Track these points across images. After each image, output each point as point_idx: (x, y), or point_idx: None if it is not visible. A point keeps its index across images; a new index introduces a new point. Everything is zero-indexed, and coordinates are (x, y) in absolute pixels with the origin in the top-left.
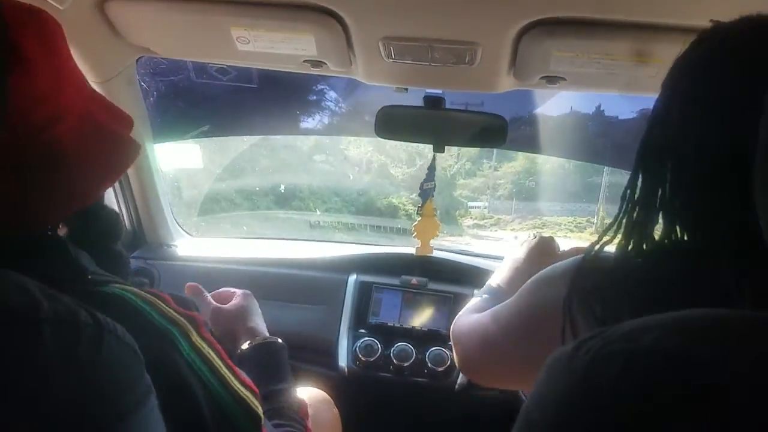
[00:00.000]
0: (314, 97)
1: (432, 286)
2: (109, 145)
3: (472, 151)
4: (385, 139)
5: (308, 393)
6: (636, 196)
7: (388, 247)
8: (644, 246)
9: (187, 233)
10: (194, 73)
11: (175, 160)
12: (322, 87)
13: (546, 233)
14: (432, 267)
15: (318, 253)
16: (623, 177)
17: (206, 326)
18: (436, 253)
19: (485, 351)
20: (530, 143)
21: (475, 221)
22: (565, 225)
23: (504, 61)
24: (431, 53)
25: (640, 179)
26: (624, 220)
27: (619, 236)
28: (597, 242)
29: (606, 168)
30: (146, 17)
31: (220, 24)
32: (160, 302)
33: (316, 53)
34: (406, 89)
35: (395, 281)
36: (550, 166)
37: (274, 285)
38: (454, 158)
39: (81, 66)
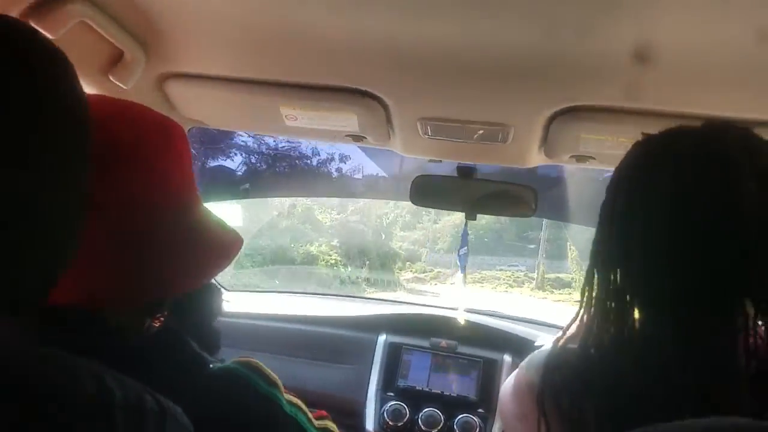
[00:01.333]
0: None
1: (461, 349)
2: (218, 233)
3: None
4: (419, 206)
5: None
6: (594, 289)
7: (419, 308)
8: (605, 338)
9: (221, 287)
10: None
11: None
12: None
13: (485, 287)
14: (462, 330)
15: (348, 310)
16: (561, 231)
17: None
18: (467, 316)
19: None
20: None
21: (415, 274)
22: (504, 279)
23: (535, 141)
24: (465, 132)
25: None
26: (584, 313)
27: (582, 328)
28: (560, 338)
29: (544, 222)
30: (201, 95)
31: (271, 103)
32: (263, 367)
33: (358, 129)
34: (440, 160)
35: (425, 343)
36: (487, 220)
37: (304, 342)
38: (390, 206)
39: None
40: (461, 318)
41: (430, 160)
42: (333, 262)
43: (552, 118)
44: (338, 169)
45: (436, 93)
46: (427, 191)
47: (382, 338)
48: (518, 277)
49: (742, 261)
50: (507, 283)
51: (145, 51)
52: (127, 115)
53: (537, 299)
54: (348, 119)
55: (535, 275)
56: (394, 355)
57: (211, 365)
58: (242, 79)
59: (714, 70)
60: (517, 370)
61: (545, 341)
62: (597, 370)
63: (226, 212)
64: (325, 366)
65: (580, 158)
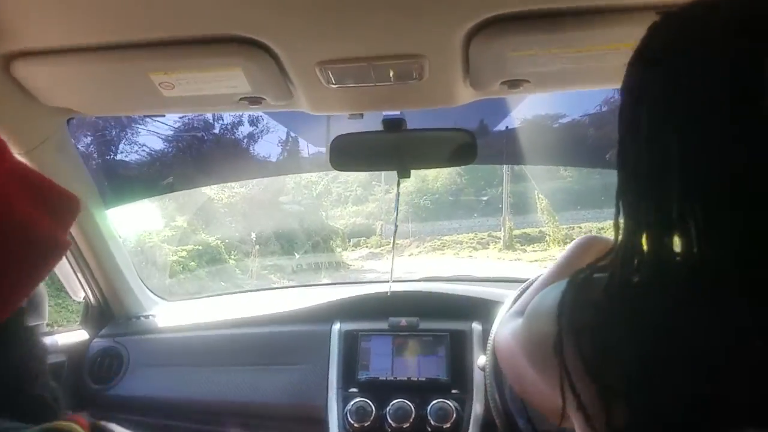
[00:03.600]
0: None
1: (424, 325)
2: (27, 244)
3: (361, 176)
4: (342, 171)
5: None
6: (625, 212)
7: (372, 285)
8: (637, 270)
9: (161, 298)
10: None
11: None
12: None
13: (447, 254)
14: (422, 303)
15: (298, 302)
16: (524, 186)
17: None
18: (426, 286)
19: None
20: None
21: (371, 249)
22: (467, 243)
23: (456, 70)
24: (375, 72)
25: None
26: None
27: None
28: (583, 271)
29: (505, 176)
30: (57, 74)
31: (137, 71)
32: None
33: (251, 89)
34: (362, 115)
35: (383, 325)
36: (442, 182)
37: (253, 347)
38: (318, 175)
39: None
40: (389, 289)
41: (350, 116)
42: (276, 251)
43: (469, 38)
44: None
45: (328, 29)
46: (350, 153)
47: (336, 327)
48: (482, 238)
49: None
50: (471, 246)
51: None
52: None
53: (507, 261)
54: (235, 78)
55: (501, 234)
56: (351, 344)
57: None
58: (97, 47)
59: None
60: (522, 319)
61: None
62: (632, 310)
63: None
64: (278, 370)
65: (513, 83)
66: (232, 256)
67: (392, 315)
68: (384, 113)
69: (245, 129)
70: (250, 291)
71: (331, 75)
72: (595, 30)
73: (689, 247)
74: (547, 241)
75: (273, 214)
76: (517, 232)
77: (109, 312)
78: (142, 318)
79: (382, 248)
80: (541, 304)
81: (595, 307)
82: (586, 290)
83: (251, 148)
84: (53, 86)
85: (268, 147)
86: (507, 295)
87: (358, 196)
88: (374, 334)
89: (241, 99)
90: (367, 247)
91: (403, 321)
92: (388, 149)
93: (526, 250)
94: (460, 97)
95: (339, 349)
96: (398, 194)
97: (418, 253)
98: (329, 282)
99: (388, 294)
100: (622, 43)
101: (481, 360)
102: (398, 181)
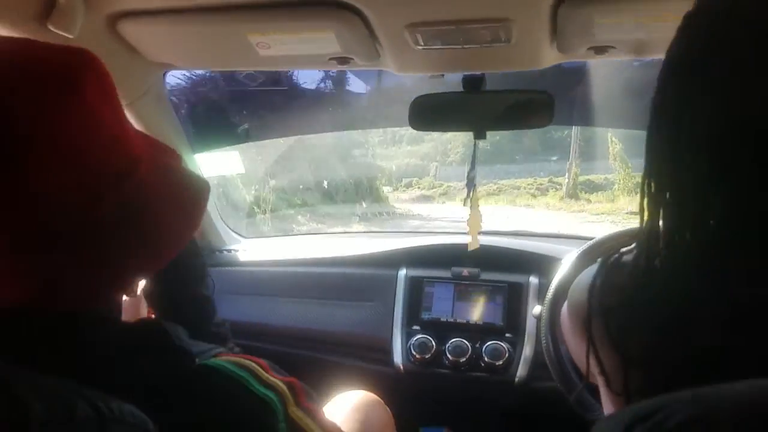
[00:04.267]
0: (346, 92)
1: (484, 276)
2: (184, 183)
3: None
4: (420, 130)
5: (359, 396)
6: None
7: (438, 237)
8: (663, 246)
9: (239, 235)
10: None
11: (218, 167)
12: (352, 79)
13: (502, 200)
14: (483, 256)
15: (367, 247)
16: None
17: (306, 393)
18: (488, 239)
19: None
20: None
21: (422, 191)
22: (525, 188)
23: (543, 35)
24: (463, 35)
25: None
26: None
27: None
28: (613, 254)
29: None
30: (160, 32)
31: (236, 32)
32: (258, 368)
33: (341, 50)
34: (443, 75)
35: (446, 273)
36: None
37: (326, 285)
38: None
39: None
40: (472, 245)
41: (431, 76)
42: (345, 197)
43: (558, 3)
44: (343, 98)
45: None
46: (428, 113)
47: (402, 273)
48: (541, 184)
49: None
50: (529, 193)
51: None
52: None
53: (568, 213)
54: (326, 40)
55: (565, 179)
56: (416, 288)
57: (197, 360)
58: (199, 7)
59: None
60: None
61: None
62: (655, 291)
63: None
64: (349, 306)
65: (599, 49)
66: (300, 201)
67: (455, 265)
68: (463, 72)
69: (320, 84)
70: (322, 233)
71: (419, 37)
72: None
73: (712, 228)
74: (614, 190)
75: (340, 163)
76: (582, 178)
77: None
78: (225, 252)
79: (434, 190)
80: (578, 284)
81: (620, 290)
82: (613, 273)
83: (325, 103)
84: (156, 43)
85: (342, 101)
86: (564, 251)
87: (413, 136)
88: (437, 280)
89: (330, 59)
90: (419, 188)
91: (466, 271)
92: (466, 110)
93: (590, 200)
94: (546, 60)
95: (405, 292)
96: (475, 155)
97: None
98: (399, 230)
99: (468, 249)
100: None
101: (536, 309)
102: (475, 142)
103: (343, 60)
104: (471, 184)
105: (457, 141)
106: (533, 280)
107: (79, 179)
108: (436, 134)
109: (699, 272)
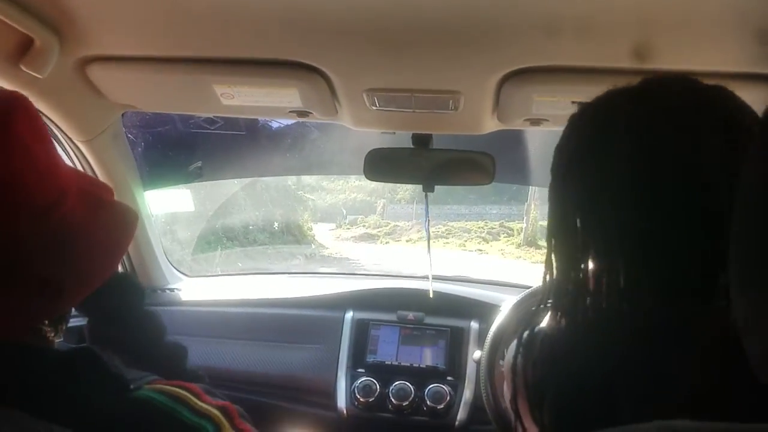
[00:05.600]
0: (301, 140)
1: (428, 320)
2: (111, 215)
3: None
4: (374, 180)
5: None
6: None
7: (385, 280)
8: (581, 313)
9: (183, 274)
10: (181, 122)
11: (168, 204)
12: (308, 129)
13: (452, 243)
14: (428, 301)
15: (313, 288)
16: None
17: (240, 415)
18: (433, 285)
19: None
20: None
21: (368, 230)
22: (475, 231)
23: (487, 106)
24: (415, 102)
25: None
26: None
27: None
28: (528, 327)
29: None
30: (128, 77)
31: (203, 82)
32: (190, 397)
33: (302, 105)
34: (394, 132)
35: (392, 317)
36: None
37: (271, 326)
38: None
39: (65, 127)
40: (431, 290)
41: (384, 132)
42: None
43: (502, 82)
44: (298, 143)
45: (380, 62)
46: (382, 165)
47: (349, 315)
48: (492, 228)
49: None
50: (480, 236)
51: (58, 35)
52: None
53: (529, 263)
54: (289, 95)
55: (523, 224)
56: (362, 331)
57: (132, 387)
58: (169, 58)
59: (664, 22)
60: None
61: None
62: (560, 351)
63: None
64: (294, 348)
65: (534, 121)
66: (250, 239)
67: (401, 309)
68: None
69: (276, 130)
70: (267, 273)
71: (376, 100)
72: (605, 86)
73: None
74: None
75: (287, 202)
76: (543, 222)
77: None
78: (167, 290)
79: (379, 229)
80: (506, 361)
81: (535, 366)
82: (530, 349)
83: (281, 147)
84: (122, 87)
85: (296, 146)
86: (504, 299)
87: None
88: (384, 323)
89: (290, 111)
90: (364, 226)
91: (411, 315)
92: (415, 165)
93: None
94: (486, 127)
95: (351, 334)
96: (427, 206)
97: (417, 239)
98: (347, 272)
99: (431, 296)
100: None
101: (476, 354)
102: (426, 194)
103: (302, 113)
104: (428, 234)
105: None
106: (474, 325)
107: (7, 209)
108: None
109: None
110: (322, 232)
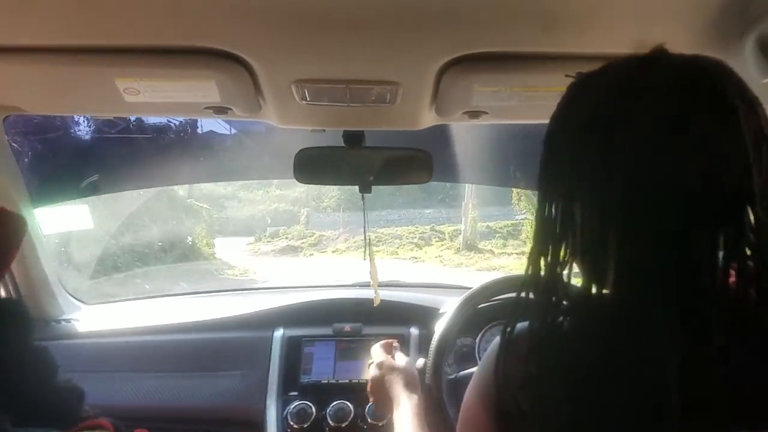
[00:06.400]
0: (219, 142)
1: (366, 330)
2: None
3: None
4: (305, 183)
5: None
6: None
7: (317, 292)
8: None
9: (81, 301)
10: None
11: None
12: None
13: (383, 251)
14: (365, 310)
15: (236, 307)
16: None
17: None
18: (367, 293)
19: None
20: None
21: (290, 242)
22: (407, 237)
23: (425, 98)
24: (350, 94)
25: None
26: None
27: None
28: (509, 324)
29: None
30: (11, 73)
31: (102, 75)
32: None
33: (220, 100)
34: (324, 129)
35: (327, 331)
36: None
37: (186, 354)
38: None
39: None
40: (376, 300)
41: (313, 130)
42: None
43: (443, 71)
44: (208, 147)
45: (310, 50)
46: (314, 165)
47: (278, 333)
48: (424, 233)
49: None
50: (411, 242)
51: None
52: None
53: (473, 269)
54: (206, 88)
55: (446, 228)
56: (293, 350)
57: None
58: (61, 48)
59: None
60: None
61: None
62: (556, 359)
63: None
64: (214, 376)
65: (473, 114)
66: (158, 258)
67: (337, 321)
68: (335, 129)
69: (189, 131)
70: (178, 295)
71: (306, 93)
72: (549, 74)
73: (615, 289)
74: (523, 239)
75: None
76: (483, 223)
77: None
78: (63, 322)
79: (303, 240)
80: (484, 368)
81: (525, 364)
82: (514, 348)
83: (195, 151)
84: (6, 86)
85: (213, 148)
86: (443, 302)
87: (284, 180)
88: (318, 339)
89: (206, 107)
90: (286, 238)
91: (348, 327)
92: (350, 164)
93: (494, 252)
94: (423, 122)
95: (281, 354)
96: (365, 209)
97: (345, 249)
98: (270, 287)
99: (375, 304)
100: None
101: (419, 362)
102: (362, 196)
103: (220, 110)
104: (367, 239)
105: (334, 187)
106: (414, 331)
107: None
108: None
109: (605, 332)
110: (238, 247)
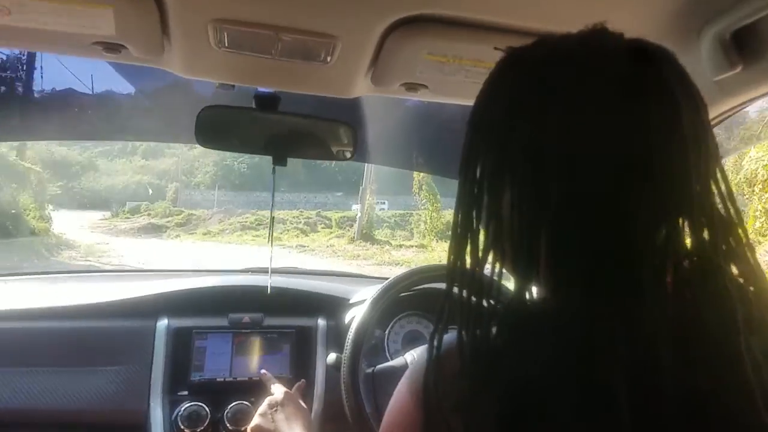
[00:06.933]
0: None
1: (268, 321)
2: None
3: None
4: (208, 148)
5: None
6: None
7: (211, 277)
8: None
9: None
10: None
11: None
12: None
13: (264, 234)
14: (266, 298)
15: (110, 292)
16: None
17: None
18: (267, 280)
19: None
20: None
21: (153, 219)
22: (291, 222)
23: (364, 61)
24: (277, 45)
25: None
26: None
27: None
28: (435, 337)
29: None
30: None
31: None
32: None
33: (115, 34)
34: (233, 86)
35: (222, 322)
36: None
37: (50, 345)
38: None
39: None
40: (269, 285)
41: (220, 85)
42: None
43: (390, 30)
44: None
45: None
46: (221, 127)
47: (162, 324)
48: (309, 217)
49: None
50: (296, 227)
51: None
52: None
53: (375, 262)
54: (99, 16)
55: (333, 215)
56: (182, 343)
57: None
58: None
59: None
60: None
61: (362, 296)
62: (491, 372)
63: None
64: (86, 372)
65: (412, 86)
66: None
67: (234, 311)
68: (258, 88)
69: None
70: (36, 275)
71: (225, 37)
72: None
73: (550, 292)
74: (421, 230)
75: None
76: (380, 212)
77: None
78: None
79: (169, 219)
80: (408, 387)
81: (456, 382)
82: (444, 364)
83: (70, 104)
84: None
85: (96, 105)
86: (353, 292)
87: (150, 148)
88: (211, 331)
89: (95, 42)
90: (148, 215)
91: (246, 317)
92: (263, 131)
93: (391, 244)
94: (357, 90)
95: (166, 348)
96: (274, 184)
97: (218, 232)
98: (158, 269)
99: (269, 291)
100: None
101: (331, 357)
102: (273, 168)
103: (112, 47)
104: (271, 220)
105: (207, 158)
106: (321, 322)
107: None
108: (178, 148)
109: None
110: (90, 222)
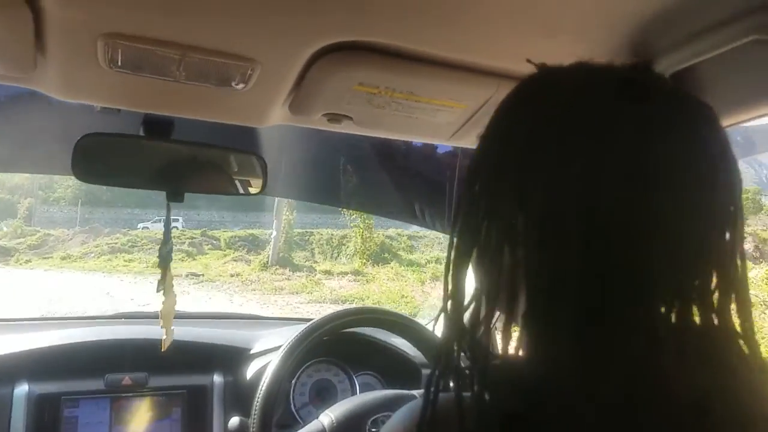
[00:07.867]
0: None
1: (154, 382)
2: None
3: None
4: (88, 183)
5: None
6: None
7: (81, 329)
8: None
9: None
10: None
11: None
12: None
13: (138, 260)
14: (149, 354)
15: None
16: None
17: None
18: (153, 330)
19: None
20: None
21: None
22: (175, 240)
23: (283, 89)
24: (184, 67)
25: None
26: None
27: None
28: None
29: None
30: None
31: None
32: None
33: None
34: (119, 110)
35: (98, 384)
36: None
37: None
38: None
39: None
40: (166, 342)
41: (102, 109)
42: None
43: (317, 56)
44: None
45: None
46: (104, 159)
47: (21, 390)
48: (194, 237)
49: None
50: (180, 249)
51: None
52: None
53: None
54: None
55: (222, 234)
56: (47, 412)
57: None
58: None
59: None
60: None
61: (265, 345)
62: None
63: None
64: None
65: (334, 117)
66: None
67: (111, 371)
68: (145, 112)
69: None
70: None
71: (119, 55)
72: (439, 83)
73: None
74: (354, 253)
75: None
76: (300, 229)
77: None
78: None
79: (20, 241)
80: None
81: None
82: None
83: None
84: None
85: None
86: (256, 339)
87: None
88: (84, 397)
89: None
90: None
91: (127, 378)
92: (153, 162)
93: (316, 269)
94: (271, 119)
95: (26, 420)
96: (169, 221)
97: (80, 256)
98: (14, 318)
99: (162, 349)
100: (458, 103)
101: (233, 421)
102: (168, 204)
103: None
104: (165, 261)
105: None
106: (218, 379)
107: None
108: None
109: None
110: None
